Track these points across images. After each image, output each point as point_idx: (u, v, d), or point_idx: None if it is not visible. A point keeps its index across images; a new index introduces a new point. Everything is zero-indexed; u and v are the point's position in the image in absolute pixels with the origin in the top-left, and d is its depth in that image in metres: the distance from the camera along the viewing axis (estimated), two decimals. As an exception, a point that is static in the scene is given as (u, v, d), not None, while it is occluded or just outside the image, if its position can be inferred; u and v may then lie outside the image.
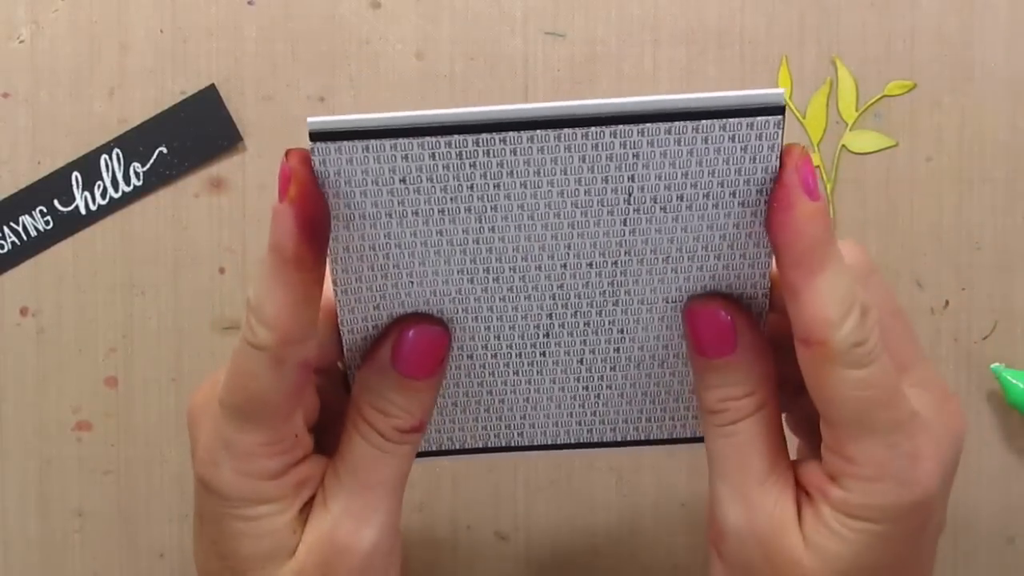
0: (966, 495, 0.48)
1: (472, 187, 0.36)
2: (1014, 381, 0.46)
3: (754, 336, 0.37)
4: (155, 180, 0.48)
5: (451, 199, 0.36)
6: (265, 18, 0.47)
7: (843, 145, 0.47)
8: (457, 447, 0.41)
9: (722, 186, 0.36)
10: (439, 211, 0.36)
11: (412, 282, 0.38)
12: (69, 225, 0.48)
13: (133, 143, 0.48)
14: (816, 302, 0.34)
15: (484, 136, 0.35)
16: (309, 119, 0.35)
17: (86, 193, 0.48)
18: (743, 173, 0.36)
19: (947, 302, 0.47)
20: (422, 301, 0.38)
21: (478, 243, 0.37)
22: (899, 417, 0.35)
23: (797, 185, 0.34)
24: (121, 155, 0.48)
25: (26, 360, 0.48)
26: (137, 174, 0.48)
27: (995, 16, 0.47)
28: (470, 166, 0.35)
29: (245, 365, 0.35)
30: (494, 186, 0.36)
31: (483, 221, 0.37)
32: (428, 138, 0.35)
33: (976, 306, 0.47)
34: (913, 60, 0.47)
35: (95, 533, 0.48)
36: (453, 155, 0.35)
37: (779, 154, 0.35)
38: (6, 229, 0.48)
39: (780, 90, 0.35)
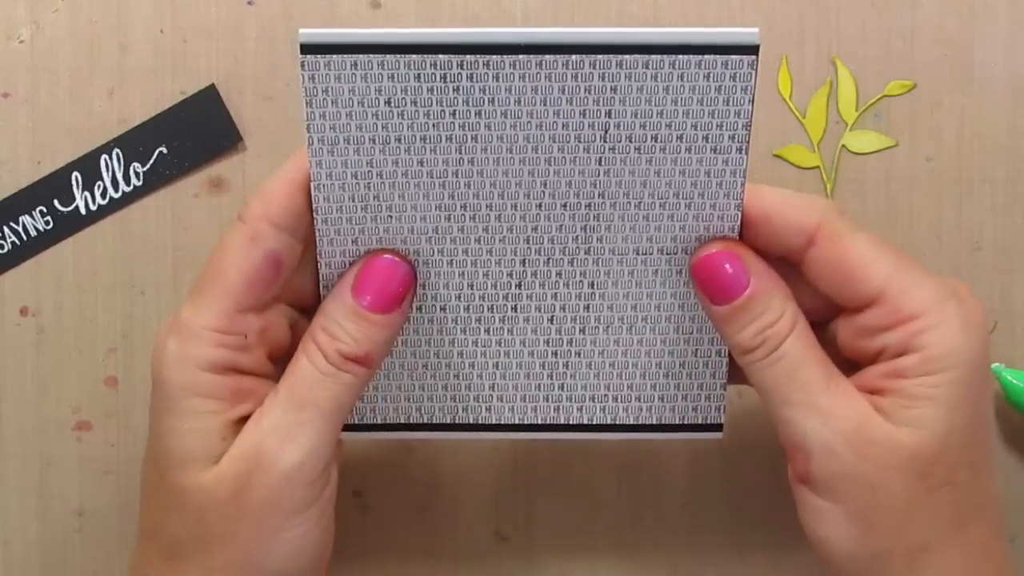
0: (966, 495, 0.48)
1: (455, 114, 0.36)
2: (1014, 381, 0.46)
3: (760, 262, 0.38)
4: (155, 180, 0.48)
5: (434, 125, 0.37)
6: (265, 18, 0.47)
7: (843, 145, 0.47)
8: (426, 420, 0.41)
9: (696, 128, 0.37)
10: (421, 138, 0.37)
11: (391, 216, 0.38)
12: (69, 225, 0.48)
13: (133, 143, 0.48)
14: (787, 210, 0.38)
15: (468, 58, 0.36)
16: (300, 30, 0.35)
17: (86, 193, 0.48)
18: (716, 116, 0.36)
19: (947, 302, 0.47)
20: (400, 239, 0.38)
21: (457, 175, 0.37)
22: (925, 271, 0.37)
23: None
24: (121, 155, 0.48)
25: (26, 360, 0.48)
26: (137, 174, 0.48)
27: (995, 16, 0.47)
28: (453, 90, 0.36)
29: (223, 238, 0.37)
30: (476, 114, 0.36)
31: (463, 152, 0.37)
32: (415, 56, 0.36)
33: (976, 306, 0.47)
34: (913, 60, 0.47)
35: (95, 533, 0.48)
36: (438, 77, 0.36)
37: (752, 98, 0.36)
38: (6, 229, 0.48)
39: (754, 29, 0.35)
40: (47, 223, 0.48)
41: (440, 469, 0.49)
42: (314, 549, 0.38)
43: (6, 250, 0.48)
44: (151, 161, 0.48)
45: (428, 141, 0.37)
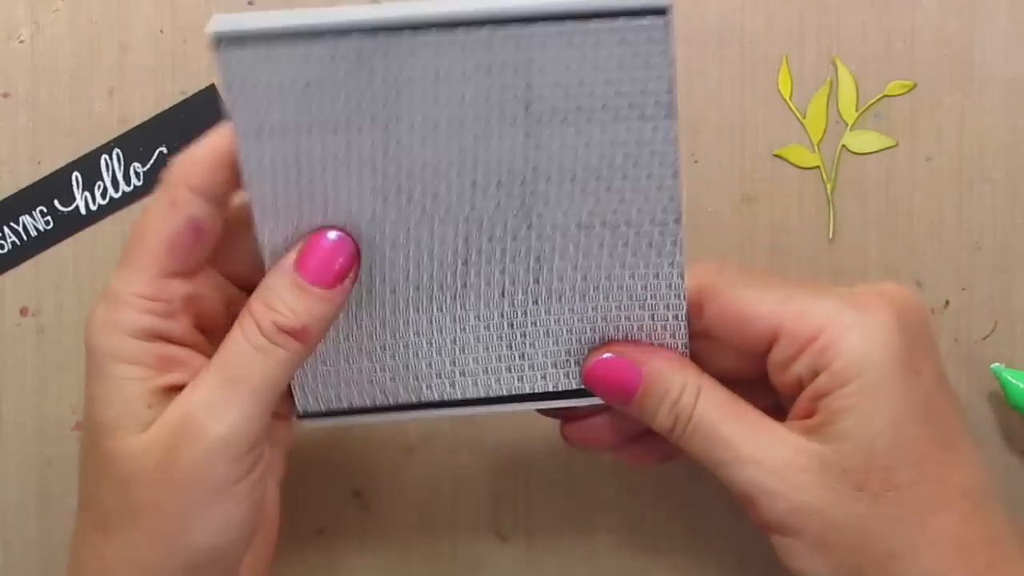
0: (966, 495, 0.48)
1: (374, 94, 0.36)
2: (1014, 381, 0.46)
3: (646, 349, 0.39)
4: (155, 180, 0.47)
5: (356, 106, 0.36)
6: (265, 18, 0.47)
7: (843, 145, 0.47)
8: (391, 401, 0.41)
9: (619, 96, 0.36)
10: (345, 120, 0.36)
11: (327, 202, 0.38)
12: (69, 225, 0.48)
13: (133, 143, 0.48)
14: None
15: (381, 36, 0.35)
16: (214, 16, 0.35)
17: (86, 193, 0.48)
18: (638, 83, 0.36)
19: (947, 302, 0.47)
20: (339, 224, 0.38)
21: (386, 157, 0.37)
22: (831, 288, 0.38)
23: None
24: (121, 155, 0.48)
25: (26, 360, 0.48)
26: (137, 174, 0.48)
27: (995, 16, 0.47)
28: (370, 70, 0.36)
29: (147, 205, 0.37)
30: (396, 93, 0.36)
31: (388, 132, 0.37)
32: (329, 37, 0.35)
33: (976, 306, 0.47)
34: (913, 60, 0.47)
35: (95, 533, 0.48)
36: (353, 56, 0.35)
37: (671, 61, 0.35)
38: (6, 229, 0.48)
39: None
40: (47, 223, 0.48)
41: (440, 469, 0.48)
42: (241, 527, 0.38)
43: (6, 250, 0.48)
44: (151, 161, 0.48)
45: (352, 123, 0.36)
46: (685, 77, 0.47)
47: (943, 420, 0.37)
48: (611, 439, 0.42)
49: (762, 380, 0.39)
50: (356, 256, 0.38)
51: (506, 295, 0.39)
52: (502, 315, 0.40)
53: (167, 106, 0.48)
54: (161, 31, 0.47)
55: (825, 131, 0.47)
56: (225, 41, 0.35)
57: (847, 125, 0.47)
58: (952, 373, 0.47)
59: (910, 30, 0.47)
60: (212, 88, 0.47)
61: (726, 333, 0.39)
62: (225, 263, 0.39)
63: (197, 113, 0.47)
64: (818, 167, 0.47)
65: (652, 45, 0.35)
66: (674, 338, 0.40)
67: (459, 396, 0.41)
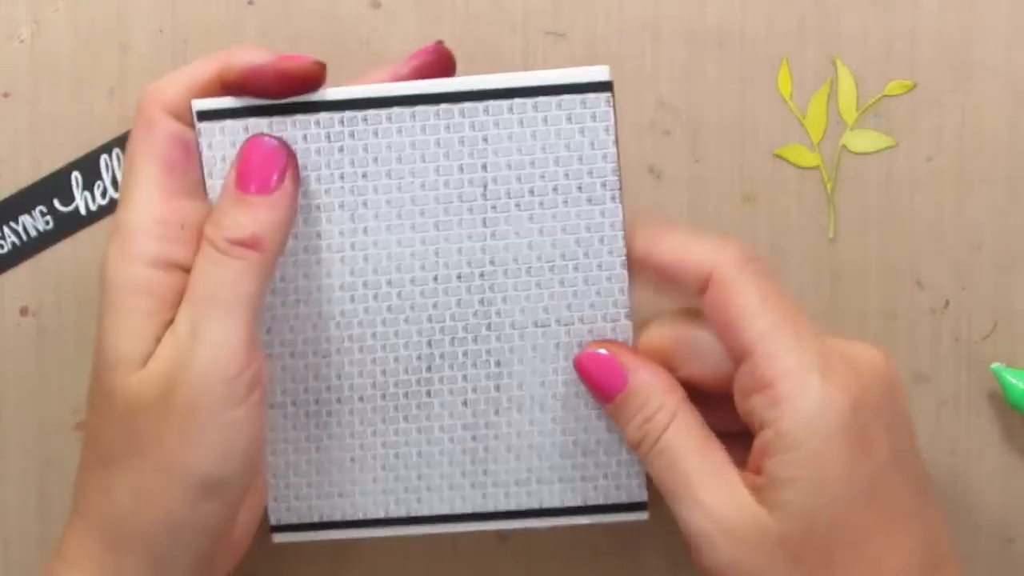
0: (966, 495, 0.48)
1: (343, 176, 0.38)
2: (1014, 381, 0.46)
3: (637, 357, 0.39)
4: (155, 180, 0.48)
5: (325, 191, 0.39)
6: (265, 18, 0.47)
7: (843, 145, 0.47)
8: (360, 515, 0.42)
9: (568, 177, 0.38)
10: (316, 207, 0.39)
11: (299, 300, 0.39)
12: (69, 225, 0.48)
13: (133, 143, 0.48)
14: (688, 248, 0.39)
15: (348, 114, 0.38)
16: (194, 101, 0.38)
17: (86, 193, 0.48)
18: (584, 162, 0.38)
19: (947, 302, 0.47)
20: (310, 324, 0.40)
21: (354, 248, 0.39)
22: (807, 336, 0.37)
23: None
24: (121, 155, 0.48)
25: (26, 360, 0.48)
26: (137, 174, 0.48)
27: (995, 16, 0.47)
28: (339, 150, 0.38)
29: (129, 138, 0.39)
30: (362, 176, 0.38)
31: (356, 220, 0.39)
32: (300, 116, 0.38)
33: (976, 306, 0.47)
34: (913, 60, 0.47)
35: (95, 533, 0.48)
36: (323, 136, 0.38)
37: (615, 138, 0.37)
38: (6, 229, 0.48)
39: (605, 67, 0.37)
40: (47, 223, 0.48)
41: (440, 469, 0.48)
42: (243, 456, 0.37)
43: (6, 250, 0.48)
44: (151, 161, 0.48)
45: (323, 210, 0.38)
46: (685, 77, 0.47)
47: (890, 500, 0.36)
48: None
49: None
50: (291, 157, 0.38)
51: (469, 404, 0.40)
52: (465, 427, 0.41)
53: (167, 106, 0.48)
54: (161, 31, 0.47)
55: (825, 131, 0.47)
56: (205, 115, 0.38)
57: (847, 125, 0.47)
58: (952, 373, 0.47)
59: (910, 30, 0.47)
60: (212, 88, 0.47)
61: (712, 322, 0.38)
62: None
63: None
64: (818, 167, 0.47)
65: (598, 122, 0.37)
66: (630, 453, 0.41)
67: (425, 513, 0.42)
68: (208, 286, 0.37)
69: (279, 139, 0.38)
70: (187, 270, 0.38)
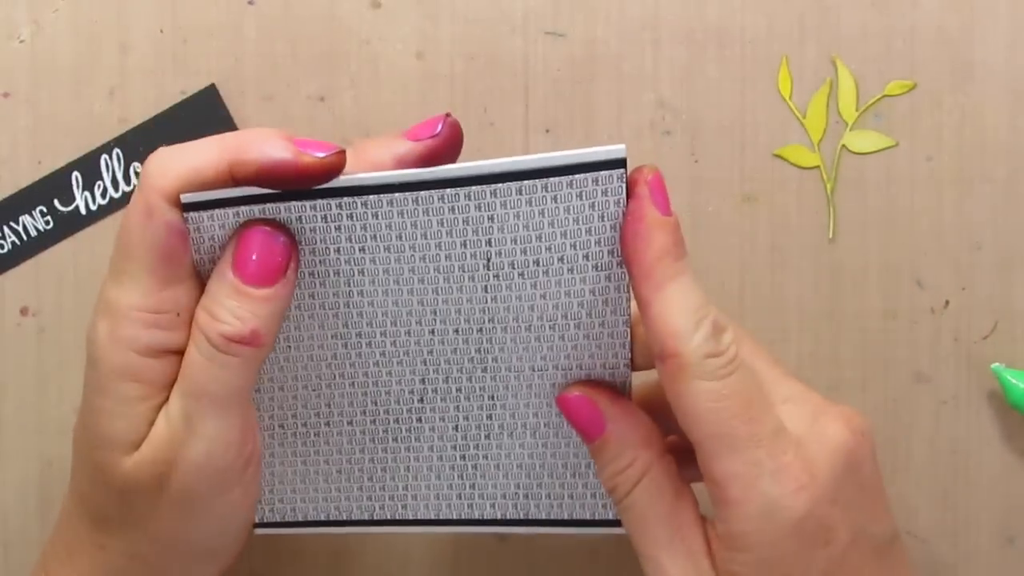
0: (966, 495, 0.48)
1: (339, 250, 0.37)
2: (1014, 381, 0.46)
3: (620, 407, 0.38)
4: (155, 180, 0.48)
5: (320, 262, 0.37)
6: (265, 18, 0.47)
7: (843, 145, 0.47)
8: (345, 517, 0.42)
9: (575, 248, 0.37)
10: (309, 274, 0.38)
11: (289, 346, 0.39)
12: (69, 225, 0.48)
13: (133, 143, 0.48)
14: (666, 313, 0.35)
15: (346, 200, 0.36)
16: (182, 195, 0.36)
17: (86, 193, 0.48)
18: (593, 233, 0.36)
19: (947, 302, 0.47)
20: (300, 366, 0.39)
21: (348, 307, 0.38)
22: (760, 432, 0.35)
23: (647, 196, 0.35)
24: (121, 155, 0.48)
25: (26, 360, 0.48)
26: (137, 174, 0.48)
27: (995, 16, 0.47)
28: (335, 229, 0.37)
29: (126, 212, 0.36)
30: (359, 249, 0.37)
31: (352, 285, 0.38)
32: (294, 202, 0.36)
33: (976, 306, 0.47)
34: (913, 60, 0.47)
35: (95, 533, 0.48)
36: (319, 218, 0.36)
37: (624, 211, 0.36)
38: (6, 229, 0.48)
39: (621, 146, 0.35)
40: (47, 223, 0.48)
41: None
42: (240, 524, 0.39)
43: (6, 250, 0.48)
44: (151, 161, 0.48)
45: (316, 276, 0.38)
46: (685, 77, 0.47)
47: None
48: None
49: None
50: (292, 247, 0.37)
51: (460, 429, 0.40)
52: (455, 447, 0.41)
53: (167, 106, 0.48)
54: (161, 31, 0.47)
55: (825, 131, 0.47)
56: (194, 207, 0.36)
57: (847, 125, 0.47)
58: (952, 373, 0.47)
59: (910, 30, 0.47)
60: (212, 88, 0.47)
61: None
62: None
63: (197, 113, 0.47)
64: (818, 167, 0.47)
65: (608, 196, 0.36)
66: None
67: (410, 517, 0.42)
68: (202, 381, 0.36)
69: (284, 229, 0.36)
70: (180, 353, 0.37)
